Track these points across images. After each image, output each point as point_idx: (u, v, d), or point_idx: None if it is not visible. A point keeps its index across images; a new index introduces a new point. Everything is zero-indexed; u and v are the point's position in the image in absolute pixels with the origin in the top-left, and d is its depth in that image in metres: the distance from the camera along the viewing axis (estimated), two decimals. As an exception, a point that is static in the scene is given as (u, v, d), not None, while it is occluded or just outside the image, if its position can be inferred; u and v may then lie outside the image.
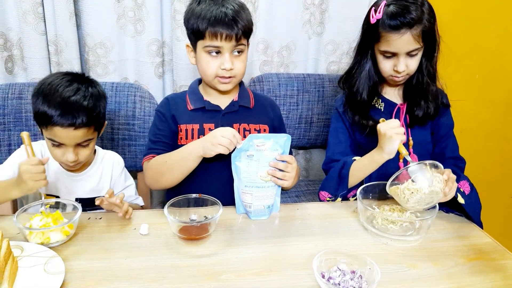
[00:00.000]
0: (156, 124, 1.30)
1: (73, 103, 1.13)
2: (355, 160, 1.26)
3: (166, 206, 1.05)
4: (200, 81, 1.34)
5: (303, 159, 2.00)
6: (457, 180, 1.13)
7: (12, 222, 0.98)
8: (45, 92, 1.14)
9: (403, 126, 1.31)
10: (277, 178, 1.13)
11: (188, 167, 1.18)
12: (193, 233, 1.03)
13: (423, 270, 0.95)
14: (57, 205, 1.10)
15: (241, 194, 1.15)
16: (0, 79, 1.60)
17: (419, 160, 1.30)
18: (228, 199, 1.17)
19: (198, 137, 1.26)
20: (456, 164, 1.31)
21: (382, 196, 1.18)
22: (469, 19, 1.89)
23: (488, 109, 2.03)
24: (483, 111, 2.02)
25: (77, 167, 1.25)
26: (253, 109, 1.34)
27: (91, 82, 1.22)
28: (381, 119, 1.20)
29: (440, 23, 1.23)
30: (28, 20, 1.54)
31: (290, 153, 1.20)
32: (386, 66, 1.25)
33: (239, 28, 1.17)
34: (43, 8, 1.54)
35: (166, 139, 1.28)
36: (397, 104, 1.33)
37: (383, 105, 1.34)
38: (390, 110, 1.33)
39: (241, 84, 1.35)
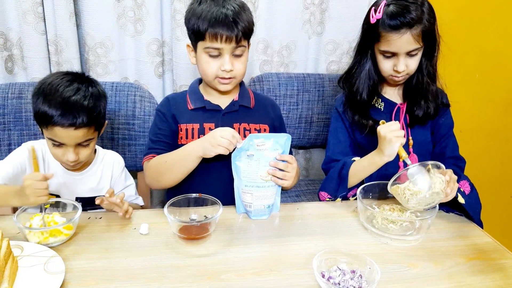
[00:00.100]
0: (157, 123, 1.30)
1: (73, 103, 1.13)
2: (354, 160, 1.26)
3: (166, 206, 1.05)
4: (200, 80, 1.34)
5: (303, 158, 2.00)
6: (458, 180, 1.13)
7: (12, 222, 0.98)
8: (45, 92, 1.14)
9: (403, 126, 1.31)
10: (277, 178, 1.13)
11: (188, 167, 1.18)
12: (193, 233, 1.03)
13: (423, 269, 0.95)
14: (57, 205, 1.10)
15: (241, 193, 1.15)
16: (0, 79, 1.61)
17: (419, 160, 1.31)
18: (228, 199, 1.17)
19: (199, 137, 1.26)
20: (456, 164, 1.31)
21: (382, 195, 1.18)
22: (469, 19, 1.89)
23: (488, 109, 2.03)
24: (483, 111, 2.02)
25: (78, 166, 1.25)
26: (254, 109, 1.34)
27: (91, 82, 1.22)
28: (381, 121, 1.20)
29: (440, 23, 1.23)
30: (28, 20, 1.54)
31: (290, 152, 1.20)
32: (386, 66, 1.25)
33: (239, 29, 1.16)
34: (43, 8, 1.54)
35: (166, 138, 1.28)
36: (397, 104, 1.33)
37: (383, 104, 1.34)
38: (390, 110, 1.33)
39: (241, 84, 1.35)
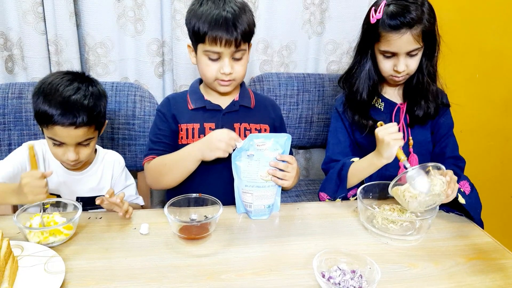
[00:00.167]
0: (157, 124, 1.30)
1: (73, 102, 1.13)
2: (353, 161, 1.26)
3: (166, 206, 1.05)
4: (201, 80, 1.34)
5: (303, 158, 2.00)
6: (458, 180, 1.13)
7: (12, 222, 0.98)
8: (45, 91, 1.14)
9: (403, 126, 1.32)
10: (278, 178, 1.13)
11: (188, 170, 1.18)
12: (193, 233, 1.03)
13: (423, 269, 0.95)
14: (57, 205, 1.10)
15: (241, 193, 1.15)
16: (0, 79, 1.61)
17: (419, 160, 1.31)
18: (229, 199, 1.17)
19: (199, 137, 1.26)
20: (456, 164, 1.31)
21: (382, 195, 1.18)
22: (469, 19, 1.89)
23: (488, 109, 2.03)
24: (483, 111, 2.02)
25: (78, 166, 1.25)
26: (254, 109, 1.34)
27: (92, 81, 1.22)
28: (378, 123, 1.20)
29: (440, 23, 1.23)
30: (28, 20, 1.54)
31: (291, 152, 1.20)
32: (386, 66, 1.25)
33: (239, 33, 1.15)
34: (43, 8, 1.54)
35: (167, 139, 1.28)
36: (397, 104, 1.33)
37: (383, 104, 1.34)
38: (390, 110, 1.33)
39: (242, 84, 1.35)
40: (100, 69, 1.68)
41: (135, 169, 1.64)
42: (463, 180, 1.20)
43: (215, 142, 1.10)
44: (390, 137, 1.12)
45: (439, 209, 1.12)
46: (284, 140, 1.12)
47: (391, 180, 1.12)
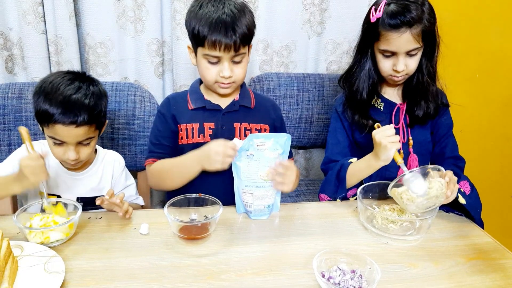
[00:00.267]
0: (157, 125, 1.31)
1: (74, 101, 1.13)
2: (352, 162, 1.26)
3: (166, 206, 1.05)
4: (201, 80, 1.34)
5: (303, 158, 2.00)
6: (458, 181, 1.13)
7: (12, 222, 0.98)
8: (46, 90, 1.14)
9: (402, 126, 1.32)
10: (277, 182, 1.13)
11: (189, 178, 1.20)
12: (193, 233, 1.03)
13: (423, 269, 0.95)
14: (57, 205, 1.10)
15: (241, 193, 1.15)
16: (0, 79, 1.61)
17: (419, 160, 1.31)
18: (228, 199, 1.17)
19: (199, 137, 1.27)
20: (456, 164, 1.31)
21: (382, 195, 1.18)
22: (469, 19, 1.89)
23: (488, 109, 2.03)
24: (483, 111, 2.02)
25: (78, 165, 1.25)
26: (254, 109, 1.34)
27: (92, 81, 1.22)
28: (376, 124, 1.20)
29: (440, 23, 1.23)
30: (28, 20, 1.54)
31: (290, 153, 1.20)
32: (385, 65, 1.25)
33: (238, 36, 1.15)
34: (43, 8, 1.54)
35: (166, 141, 1.28)
36: (396, 104, 1.33)
37: (382, 105, 1.34)
38: (390, 110, 1.33)
39: (242, 84, 1.35)
40: (100, 69, 1.68)
41: (135, 169, 1.64)
42: (463, 180, 1.20)
43: (212, 156, 1.10)
44: (387, 140, 1.12)
45: (439, 209, 1.12)
46: (284, 140, 1.12)
47: (391, 181, 1.12)
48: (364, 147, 1.31)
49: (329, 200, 1.28)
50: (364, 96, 1.30)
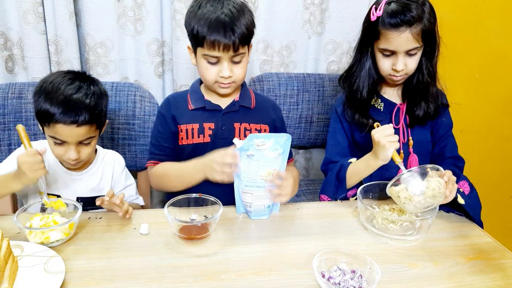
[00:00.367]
0: (157, 126, 1.31)
1: (75, 101, 1.13)
2: (351, 162, 1.26)
3: (166, 206, 1.06)
4: (202, 80, 1.34)
5: (303, 158, 2.00)
6: (457, 181, 1.13)
7: (12, 222, 0.98)
8: (47, 90, 1.14)
9: (402, 126, 1.32)
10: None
11: (191, 185, 1.20)
12: (193, 233, 1.03)
13: (423, 269, 0.95)
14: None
15: (241, 193, 1.15)
16: (1, 79, 1.61)
17: (419, 160, 1.31)
18: (228, 199, 1.17)
19: (198, 137, 1.27)
20: (456, 164, 1.31)
21: (382, 195, 1.18)
22: (469, 19, 1.89)
23: (488, 109, 2.03)
24: (483, 111, 2.02)
25: (79, 165, 1.25)
26: (254, 109, 1.34)
27: (93, 81, 1.22)
28: (375, 124, 1.20)
29: (440, 23, 1.23)
30: (28, 20, 1.54)
31: (290, 153, 1.20)
32: (385, 64, 1.25)
33: (237, 37, 1.15)
34: (43, 8, 1.54)
35: (166, 142, 1.29)
36: (396, 104, 1.33)
37: (382, 105, 1.34)
38: (389, 110, 1.33)
39: (243, 84, 1.35)
40: (100, 69, 1.68)
41: (135, 169, 1.65)
42: (463, 180, 1.20)
43: (214, 166, 1.10)
44: (386, 139, 1.12)
45: (439, 209, 1.12)
46: (284, 140, 1.12)
47: (390, 181, 1.12)
48: (364, 147, 1.31)
49: (329, 201, 1.28)
50: (364, 95, 1.30)
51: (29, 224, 1.02)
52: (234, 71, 1.21)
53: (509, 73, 1.97)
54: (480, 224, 1.17)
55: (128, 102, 1.58)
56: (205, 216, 1.10)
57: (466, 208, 1.15)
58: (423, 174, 1.09)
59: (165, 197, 1.66)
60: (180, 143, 1.30)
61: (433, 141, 1.36)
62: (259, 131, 1.31)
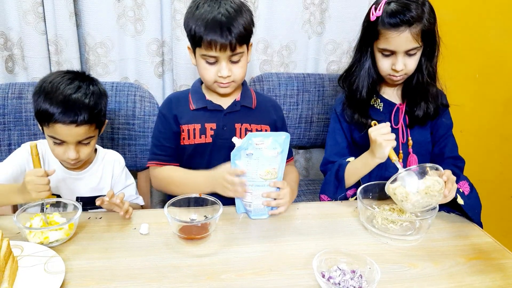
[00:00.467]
0: (158, 126, 1.32)
1: (74, 101, 1.13)
2: (349, 161, 1.26)
3: (166, 206, 1.06)
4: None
5: (303, 158, 2.00)
6: (457, 181, 1.13)
7: (12, 222, 0.98)
8: (46, 90, 1.14)
9: (402, 126, 1.32)
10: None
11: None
12: (193, 233, 1.03)
13: (423, 269, 0.95)
14: (57, 205, 1.11)
15: (241, 193, 1.15)
16: (1, 79, 1.61)
17: (419, 161, 1.31)
18: (228, 199, 1.17)
19: (200, 137, 1.27)
20: (455, 164, 1.31)
21: (382, 195, 1.18)
22: (469, 19, 1.89)
23: (488, 109, 2.03)
24: (483, 111, 2.02)
25: (78, 165, 1.25)
26: (255, 110, 1.34)
27: (92, 80, 1.22)
28: (372, 122, 1.21)
29: (440, 24, 1.23)
30: (28, 20, 1.54)
31: (291, 152, 1.20)
32: (384, 64, 1.25)
33: (234, 36, 1.15)
34: (43, 8, 1.54)
35: (168, 142, 1.29)
36: (396, 104, 1.33)
37: (382, 105, 1.34)
38: (389, 110, 1.33)
39: (244, 84, 1.35)
40: (100, 69, 1.68)
41: (135, 169, 1.65)
42: (463, 180, 1.20)
43: (226, 185, 1.11)
44: (383, 138, 1.12)
45: (440, 210, 1.12)
46: (282, 139, 1.12)
47: (389, 179, 1.12)
48: (363, 146, 1.31)
49: (329, 201, 1.28)
50: (363, 95, 1.30)
51: (29, 224, 1.02)
52: (233, 71, 1.21)
53: (509, 73, 1.97)
54: (480, 225, 1.17)
55: (128, 102, 1.58)
56: (205, 216, 1.10)
57: (465, 208, 1.15)
58: (423, 173, 1.09)
59: (165, 197, 1.66)
60: (182, 143, 1.30)
61: (433, 141, 1.36)
62: (260, 131, 1.31)
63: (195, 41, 1.19)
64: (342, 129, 1.37)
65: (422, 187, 1.06)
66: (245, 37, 1.19)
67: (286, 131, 1.39)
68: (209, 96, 1.31)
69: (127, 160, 1.43)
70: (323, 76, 1.82)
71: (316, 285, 0.88)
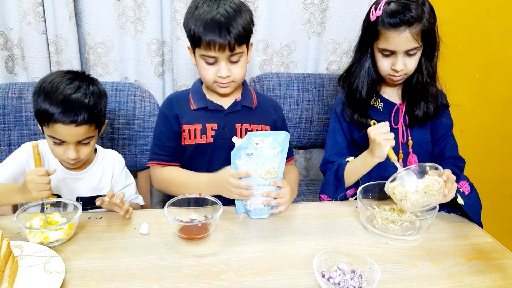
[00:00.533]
0: (159, 126, 1.31)
1: (74, 101, 1.13)
2: (349, 161, 1.26)
3: (166, 206, 1.06)
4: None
5: (303, 158, 2.00)
6: (457, 180, 1.13)
7: (12, 222, 0.98)
8: (46, 90, 1.14)
9: (402, 126, 1.32)
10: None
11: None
12: (193, 233, 1.03)
13: (423, 269, 0.95)
14: (57, 205, 1.11)
15: (241, 193, 1.15)
16: (1, 79, 1.61)
17: (419, 161, 1.31)
18: (228, 199, 1.17)
19: (201, 138, 1.27)
20: (456, 164, 1.31)
21: (382, 195, 1.18)
22: (469, 19, 1.89)
23: (488, 109, 2.03)
24: (483, 111, 2.02)
25: (78, 165, 1.25)
26: (256, 110, 1.34)
27: (92, 80, 1.22)
28: (371, 121, 1.21)
29: (440, 23, 1.23)
30: (28, 20, 1.54)
31: (291, 151, 1.20)
32: (384, 64, 1.25)
33: (232, 37, 1.15)
34: (43, 8, 1.54)
35: (169, 142, 1.29)
36: (396, 104, 1.33)
37: (382, 105, 1.34)
38: (389, 110, 1.33)
39: (244, 83, 1.35)
40: (100, 69, 1.68)
41: (135, 169, 1.65)
42: (463, 180, 1.20)
43: (231, 189, 1.11)
44: (382, 137, 1.12)
45: (440, 210, 1.12)
46: (282, 138, 1.12)
47: (388, 179, 1.12)
48: (363, 146, 1.31)
49: (329, 200, 1.28)
50: (363, 95, 1.30)
51: (29, 224, 1.02)
52: (232, 71, 1.21)
53: (509, 73, 1.97)
54: (480, 224, 1.17)
55: (128, 102, 1.58)
56: (205, 216, 1.10)
57: (465, 208, 1.15)
58: (422, 173, 1.09)
59: (165, 197, 1.66)
60: (183, 143, 1.30)
61: (433, 141, 1.36)
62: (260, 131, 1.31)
63: (195, 42, 1.19)
64: (342, 129, 1.37)
65: (421, 187, 1.06)
66: (244, 37, 1.19)
67: (286, 130, 1.39)
68: (210, 96, 1.31)
69: (127, 160, 1.43)
70: (323, 76, 1.82)
71: (316, 285, 0.88)
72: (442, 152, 1.33)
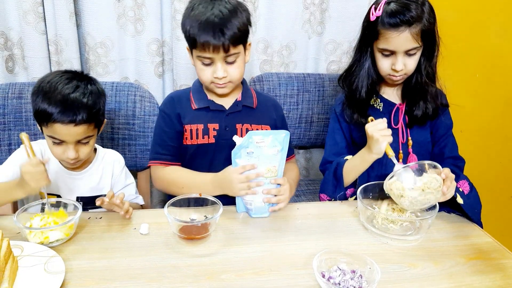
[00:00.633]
0: (161, 125, 1.31)
1: (73, 100, 1.13)
2: (347, 159, 1.26)
3: (166, 206, 1.06)
4: (200, 80, 1.34)
5: (303, 158, 2.00)
6: (456, 180, 1.13)
7: (12, 222, 0.98)
8: (44, 90, 1.14)
9: (402, 126, 1.32)
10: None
11: None
12: (193, 233, 1.03)
13: (423, 269, 0.95)
14: (58, 205, 1.10)
15: (241, 192, 1.15)
16: (1, 79, 1.61)
17: (418, 160, 1.31)
18: (228, 199, 1.17)
19: (203, 138, 1.27)
20: (455, 164, 1.31)
21: (382, 195, 1.18)
22: (469, 19, 1.89)
23: (488, 109, 2.03)
24: (483, 111, 2.02)
25: (78, 165, 1.25)
26: (256, 109, 1.34)
27: (90, 80, 1.22)
28: (369, 118, 1.21)
29: (440, 23, 1.23)
30: (28, 20, 1.54)
31: (292, 150, 1.20)
32: (384, 64, 1.25)
33: (227, 38, 1.14)
34: (43, 8, 1.54)
35: (171, 141, 1.29)
36: (396, 104, 1.33)
37: (382, 105, 1.34)
38: (389, 110, 1.33)
39: (244, 83, 1.35)
40: (100, 69, 1.68)
41: (135, 169, 1.64)
42: (462, 179, 1.20)
43: (238, 186, 1.11)
44: (379, 133, 1.13)
45: (440, 210, 1.12)
46: (282, 137, 1.12)
47: (387, 177, 1.12)
48: (362, 146, 1.31)
49: (329, 200, 1.28)
50: (363, 95, 1.30)
51: (29, 224, 1.02)
52: (228, 71, 1.21)
53: (509, 73, 1.98)
54: (480, 224, 1.17)
55: (128, 102, 1.58)
56: (205, 216, 1.10)
57: (464, 208, 1.15)
58: (421, 171, 1.09)
59: (165, 197, 1.66)
60: (184, 143, 1.30)
61: (433, 141, 1.36)
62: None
63: (191, 43, 1.19)
64: (341, 129, 1.37)
65: (419, 184, 1.06)
66: (239, 38, 1.19)
67: (286, 129, 1.39)
68: (211, 96, 1.31)
69: (127, 160, 1.43)
70: (323, 76, 1.82)
71: (316, 285, 0.88)
72: (442, 152, 1.33)
